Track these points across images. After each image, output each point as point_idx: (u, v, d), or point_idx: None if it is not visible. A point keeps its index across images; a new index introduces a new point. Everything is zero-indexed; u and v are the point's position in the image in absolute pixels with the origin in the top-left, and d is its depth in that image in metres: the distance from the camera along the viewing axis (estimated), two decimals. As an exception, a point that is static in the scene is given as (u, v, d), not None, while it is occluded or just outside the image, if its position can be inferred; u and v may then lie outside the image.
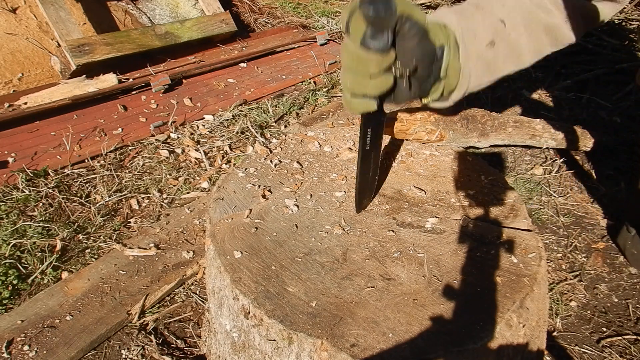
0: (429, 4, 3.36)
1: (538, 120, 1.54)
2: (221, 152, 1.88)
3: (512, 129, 1.41)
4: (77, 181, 1.64)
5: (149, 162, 1.79)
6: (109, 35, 2.30)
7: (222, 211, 0.90)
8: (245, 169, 1.02)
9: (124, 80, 2.23)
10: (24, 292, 1.25)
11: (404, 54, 0.65)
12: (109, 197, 1.58)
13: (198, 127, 2.03)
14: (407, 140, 1.13)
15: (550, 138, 1.55)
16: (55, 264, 1.31)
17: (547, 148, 1.74)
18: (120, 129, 1.93)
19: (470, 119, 1.22)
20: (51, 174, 1.65)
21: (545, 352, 1.08)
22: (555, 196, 1.59)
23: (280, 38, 3.04)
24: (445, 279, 0.74)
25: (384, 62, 0.63)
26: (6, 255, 1.31)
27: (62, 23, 2.22)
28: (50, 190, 1.55)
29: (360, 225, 0.86)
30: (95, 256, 1.36)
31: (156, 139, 1.90)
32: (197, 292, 1.28)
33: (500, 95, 2.24)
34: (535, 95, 2.20)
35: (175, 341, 1.14)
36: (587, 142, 1.66)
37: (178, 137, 1.94)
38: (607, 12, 0.87)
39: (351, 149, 1.08)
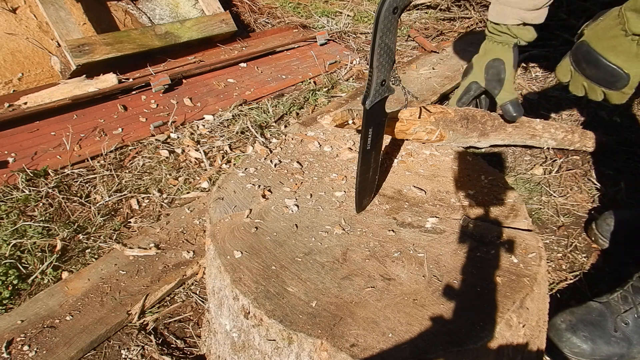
0: (429, 3, 3.36)
1: (538, 120, 1.54)
2: (221, 152, 1.88)
3: (512, 129, 1.41)
4: (77, 181, 1.64)
5: (149, 162, 1.79)
6: (109, 35, 2.30)
7: (222, 211, 0.90)
8: (245, 168, 1.02)
9: (124, 80, 2.23)
10: (24, 292, 1.25)
11: None
12: (109, 197, 1.58)
13: (198, 127, 2.03)
14: (407, 140, 1.13)
15: (550, 138, 1.55)
16: (56, 264, 1.31)
17: (547, 148, 1.74)
18: (120, 129, 1.93)
19: (470, 119, 1.22)
20: (51, 174, 1.65)
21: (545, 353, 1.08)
22: (555, 196, 1.59)
23: (280, 38, 3.04)
24: (445, 279, 0.74)
25: None
26: (6, 255, 1.31)
27: (62, 23, 2.22)
28: (50, 190, 1.55)
29: (360, 225, 0.86)
30: (96, 256, 1.36)
31: (156, 139, 1.90)
32: (197, 292, 1.28)
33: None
34: (535, 95, 2.20)
35: (175, 341, 1.14)
36: (587, 142, 1.66)
37: (178, 137, 1.94)
38: None
39: (351, 149, 1.08)
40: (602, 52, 0.91)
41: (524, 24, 1.20)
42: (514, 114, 1.27)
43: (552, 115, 2.04)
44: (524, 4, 1.15)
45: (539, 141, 1.54)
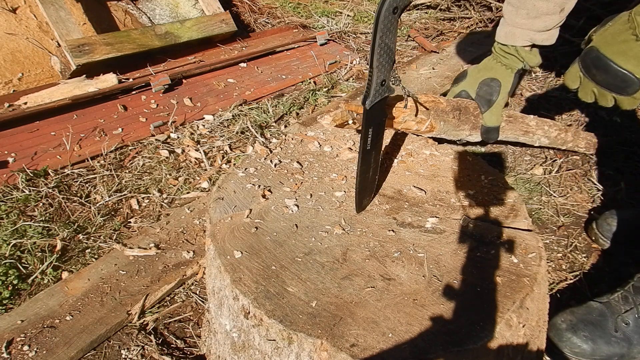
0: (429, 3, 3.36)
1: (532, 116, 1.50)
2: (221, 152, 1.88)
3: (505, 124, 1.38)
4: (77, 181, 1.64)
5: (149, 162, 1.79)
6: (109, 35, 2.30)
7: (222, 211, 0.90)
8: (245, 168, 1.02)
9: (124, 80, 2.23)
10: (24, 292, 1.25)
11: None
12: (109, 197, 1.58)
13: (198, 127, 2.03)
14: (395, 130, 1.11)
15: (543, 135, 1.50)
16: (56, 264, 1.31)
17: (539, 147, 1.71)
18: (120, 129, 1.93)
19: (463, 110, 1.18)
20: (51, 174, 1.65)
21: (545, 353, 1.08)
22: (555, 196, 1.59)
23: (280, 38, 3.04)
24: (445, 279, 0.74)
25: None
26: (6, 255, 1.31)
27: (62, 23, 2.22)
28: (50, 190, 1.55)
29: (360, 225, 0.86)
30: (95, 256, 1.36)
31: (156, 139, 1.90)
32: (197, 292, 1.28)
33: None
34: (535, 95, 2.20)
35: (175, 341, 1.14)
36: (579, 142, 1.63)
37: (178, 137, 1.94)
38: None
39: (351, 149, 1.08)
40: (612, 58, 0.91)
41: (533, 46, 1.18)
42: (488, 138, 1.25)
43: (552, 115, 2.04)
44: (534, 25, 1.12)
45: (532, 138, 1.49)
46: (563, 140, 1.58)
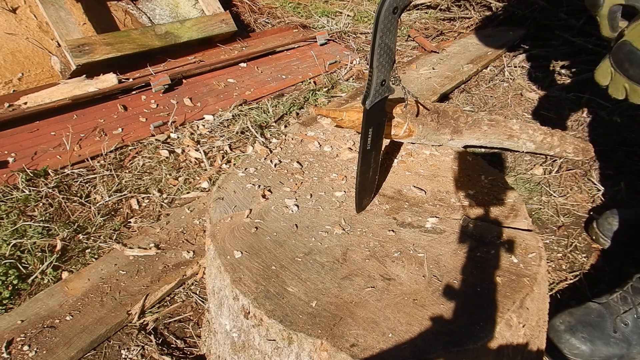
0: (429, 3, 3.36)
1: (514, 120, 1.48)
2: (221, 152, 1.88)
3: (487, 127, 1.34)
4: (77, 181, 1.64)
5: (149, 162, 1.79)
6: (109, 35, 2.30)
7: (222, 211, 0.90)
8: (245, 168, 1.02)
9: (124, 80, 2.23)
10: (24, 292, 1.25)
11: None
12: (109, 197, 1.58)
13: (198, 127, 2.03)
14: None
15: (528, 140, 1.46)
16: (56, 264, 1.31)
17: (525, 152, 1.68)
18: (120, 129, 1.93)
19: (441, 114, 1.17)
20: (51, 174, 1.65)
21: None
22: (555, 196, 1.59)
23: (280, 38, 3.04)
24: (445, 279, 0.74)
25: None
26: (6, 255, 1.31)
27: (62, 23, 2.22)
28: (50, 190, 1.55)
29: (360, 225, 0.86)
30: (96, 256, 1.36)
31: (156, 139, 1.90)
32: (197, 292, 1.28)
33: (500, 94, 2.25)
34: (535, 95, 2.20)
35: (175, 341, 1.14)
36: (567, 147, 1.59)
37: (178, 137, 1.94)
38: None
39: (351, 149, 1.08)
40: None
41: None
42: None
43: (552, 115, 2.04)
44: None
45: (517, 143, 1.46)
46: (550, 145, 1.53)
